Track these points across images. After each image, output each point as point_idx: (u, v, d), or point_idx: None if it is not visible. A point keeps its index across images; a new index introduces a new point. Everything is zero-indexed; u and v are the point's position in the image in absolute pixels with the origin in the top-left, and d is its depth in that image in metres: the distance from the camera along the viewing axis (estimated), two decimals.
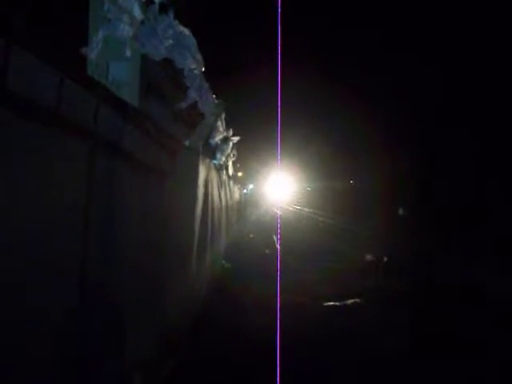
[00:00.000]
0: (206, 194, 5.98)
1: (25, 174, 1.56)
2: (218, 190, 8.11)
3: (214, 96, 5.99)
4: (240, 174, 19.57)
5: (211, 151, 8.10)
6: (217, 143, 8.40)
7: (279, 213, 25.90)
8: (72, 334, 1.92)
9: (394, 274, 8.32)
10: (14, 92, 1.49)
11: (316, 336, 4.79)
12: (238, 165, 16.63)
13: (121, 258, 2.52)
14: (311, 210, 33.75)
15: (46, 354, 1.73)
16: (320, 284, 7.45)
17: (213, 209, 6.92)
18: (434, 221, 12.76)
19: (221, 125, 7.90)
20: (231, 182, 12.11)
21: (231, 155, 11.09)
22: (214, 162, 8.13)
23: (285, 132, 27.12)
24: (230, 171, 11.87)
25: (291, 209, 39.69)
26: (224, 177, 9.69)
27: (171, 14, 3.32)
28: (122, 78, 3.33)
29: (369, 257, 10.06)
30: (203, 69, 4.33)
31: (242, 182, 20.37)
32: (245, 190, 22.90)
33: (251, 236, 15.35)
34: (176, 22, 3.41)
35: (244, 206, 19.86)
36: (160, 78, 3.46)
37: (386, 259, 9.71)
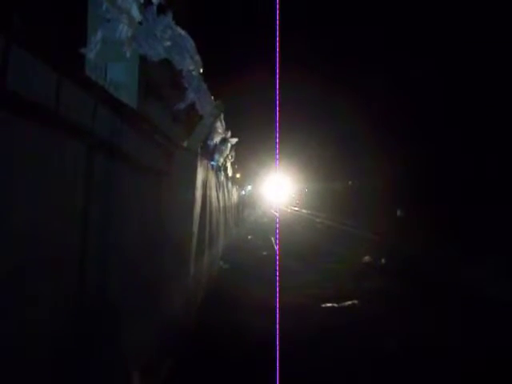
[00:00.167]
0: (204, 196, 5.98)
1: (24, 174, 1.57)
2: (216, 191, 8.11)
3: (212, 97, 6.00)
4: (238, 175, 19.59)
5: (209, 152, 8.12)
6: (215, 144, 8.41)
7: (277, 214, 25.92)
8: (70, 334, 1.92)
9: (393, 275, 8.35)
10: (14, 92, 1.49)
11: (315, 336, 4.81)
12: (237, 166, 16.64)
13: (119, 258, 2.52)
14: (309, 212, 33.82)
15: (44, 354, 1.73)
16: (318, 285, 7.46)
17: (211, 210, 6.93)
18: (431, 222, 12.79)
19: (219, 126, 7.92)
20: (229, 184, 12.11)
21: (229, 156, 11.11)
22: (213, 163, 8.13)
23: (283, 133, 27.21)
24: (229, 172, 11.89)
25: (289, 210, 39.73)
26: (222, 178, 9.69)
27: (170, 15, 3.33)
28: (121, 78, 3.34)
29: (367, 258, 10.08)
30: (201, 70, 4.34)
31: (240, 184, 20.38)
32: (243, 192, 22.91)
33: (249, 237, 15.36)
34: (174, 23, 3.42)
35: (242, 207, 19.87)
36: (158, 78, 3.47)
37: (384, 261, 9.74)
